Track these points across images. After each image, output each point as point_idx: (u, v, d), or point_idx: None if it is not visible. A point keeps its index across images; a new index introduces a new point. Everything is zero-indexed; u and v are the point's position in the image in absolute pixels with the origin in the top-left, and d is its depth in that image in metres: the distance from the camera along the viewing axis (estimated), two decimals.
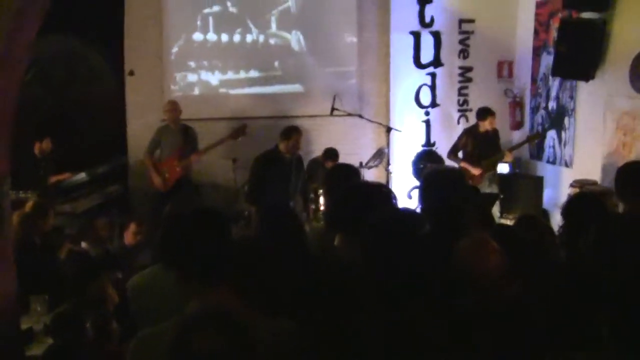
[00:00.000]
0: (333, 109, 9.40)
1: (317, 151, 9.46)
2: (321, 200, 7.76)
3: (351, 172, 4.44)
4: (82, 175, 9.04)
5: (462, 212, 3.65)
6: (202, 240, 2.64)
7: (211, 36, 10.05)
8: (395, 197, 3.55)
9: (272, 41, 10.20)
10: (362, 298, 2.64)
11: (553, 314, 2.84)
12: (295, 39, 10.21)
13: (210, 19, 10.03)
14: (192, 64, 10.07)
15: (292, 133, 8.14)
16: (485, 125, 9.13)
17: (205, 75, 10.15)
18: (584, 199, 4.46)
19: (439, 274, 2.87)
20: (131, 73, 9.74)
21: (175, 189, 8.56)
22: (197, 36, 10.01)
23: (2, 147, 3.86)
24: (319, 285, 2.78)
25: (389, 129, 9.50)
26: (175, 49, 9.97)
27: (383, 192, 3.59)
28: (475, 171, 9.00)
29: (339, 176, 4.32)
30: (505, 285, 3.02)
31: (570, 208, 4.13)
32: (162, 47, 9.87)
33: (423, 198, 3.87)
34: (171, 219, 2.74)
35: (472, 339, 2.64)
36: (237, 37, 10.09)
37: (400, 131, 9.62)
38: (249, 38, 10.12)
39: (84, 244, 6.71)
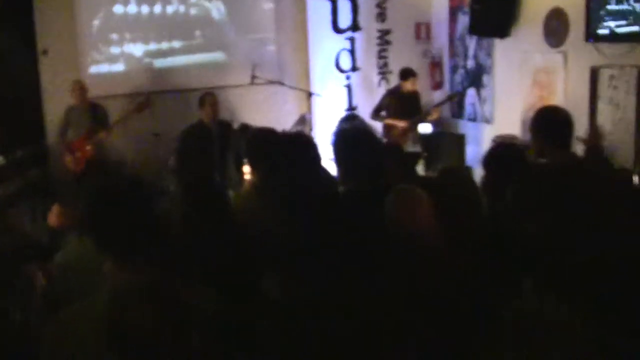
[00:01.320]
0: (253, 77, 9.35)
1: (241, 121, 9.37)
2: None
3: (269, 135, 4.39)
4: None
5: (380, 171, 3.65)
6: (124, 212, 2.53)
7: (132, 8, 9.81)
8: (315, 148, 3.53)
9: (192, 11, 10.02)
10: (275, 261, 2.64)
11: (478, 266, 2.89)
12: (215, 8, 10.07)
13: None
14: (110, 39, 9.81)
15: (204, 99, 8.35)
16: (408, 86, 9.22)
17: (126, 50, 9.89)
18: (503, 149, 4.52)
19: (364, 232, 2.87)
20: (45, 52, 9.47)
21: (89, 168, 8.41)
22: (118, 9, 9.74)
23: None
24: (238, 253, 2.78)
25: (310, 95, 9.50)
26: (93, 24, 9.71)
27: (302, 143, 3.56)
28: (401, 124, 9.08)
29: (259, 141, 4.28)
30: (434, 236, 3.05)
31: (490, 158, 4.19)
32: (75, 24, 9.61)
33: (338, 159, 3.79)
34: (91, 193, 2.64)
35: (404, 294, 2.66)
36: (158, 9, 9.88)
37: (320, 96, 9.63)
38: (170, 9, 9.93)
39: None
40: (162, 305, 2.04)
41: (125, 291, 2.14)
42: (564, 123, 4.39)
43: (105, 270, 2.56)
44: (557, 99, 7.82)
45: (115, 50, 9.84)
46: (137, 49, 9.92)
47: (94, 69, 9.71)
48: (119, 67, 9.88)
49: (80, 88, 8.71)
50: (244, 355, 2.44)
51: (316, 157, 3.61)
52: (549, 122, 4.43)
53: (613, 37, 6.85)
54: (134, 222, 2.47)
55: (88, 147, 8.58)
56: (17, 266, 5.65)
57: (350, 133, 3.96)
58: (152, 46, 9.96)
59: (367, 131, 3.99)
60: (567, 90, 7.66)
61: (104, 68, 9.81)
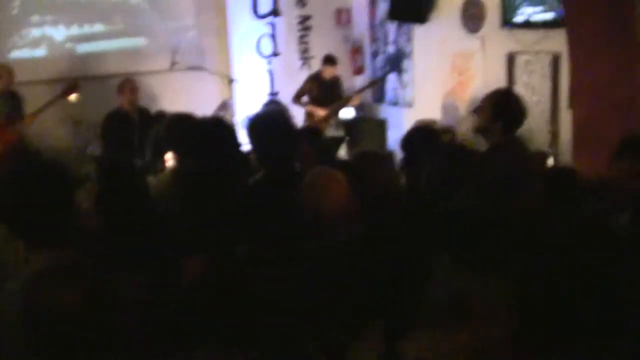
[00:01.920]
0: (173, 63, 9.26)
1: (160, 107, 9.26)
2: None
3: (186, 120, 4.35)
4: None
5: (292, 156, 3.66)
6: (42, 196, 2.43)
7: None
8: (232, 133, 3.53)
9: None
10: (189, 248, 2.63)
11: (395, 246, 2.93)
12: None
13: None
14: (31, 22, 9.56)
15: (123, 86, 8.24)
16: (328, 72, 9.24)
17: (47, 34, 9.66)
18: (419, 131, 4.60)
19: (277, 218, 2.87)
20: None
21: (10, 155, 8.20)
22: None
23: None
24: (153, 239, 2.76)
25: (231, 81, 9.45)
26: (13, 7, 9.43)
27: (218, 128, 3.55)
28: (321, 112, 9.12)
29: (176, 126, 4.24)
30: (350, 219, 3.07)
31: (407, 141, 4.26)
32: None
33: (252, 144, 3.78)
34: (5, 177, 2.56)
35: (318, 279, 2.67)
36: None
37: (238, 81, 9.59)
38: None
39: None
40: (83, 286, 2.01)
41: (43, 274, 2.10)
42: (523, 110, 4.44)
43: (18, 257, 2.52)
44: (475, 84, 7.97)
45: (36, 34, 9.59)
46: (58, 33, 9.68)
47: (13, 54, 9.44)
48: (40, 52, 9.63)
49: (8, 73, 8.43)
50: (164, 341, 2.42)
51: (233, 143, 3.60)
52: (512, 104, 4.43)
53: (528, 24, 7.01)
54: (48, 205, 2.40)
55: (9, 136, 8.35)
56: None
57: (262, 118, 3.95)
58: (74, 31, 9.73)
59: (279, 116, 3.98)
60: (485, 75, 7.80)
61: (24, 53, 9.55)
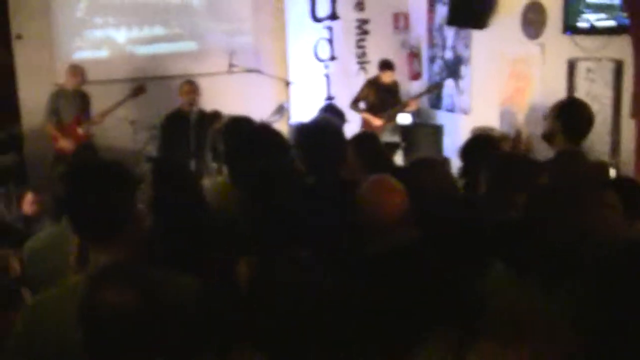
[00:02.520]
0: (231, 65, 9.32)
1: (217, 109, 9.33)
2: None
3: (243, 123, 4.37)
4: None
5: (339, 165, 3.63)
6: (104, 194, 2.44)
7: None
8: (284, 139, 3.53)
9: None
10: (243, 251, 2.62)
11: (449, 256, 2.89)
12: None
13: None
14: (93, 24, 9.75)
15: (183, 87, 8.44)
16: (385, 78, 9.22)
17: (99, 37, 9.84)
18: (478, 140, 4.54)
19: (329, 224, 2.85)
20: (19, 37, 9.37)
21: (76, 152, 8.37)
22: None
23: None
24: (210, 240, 2.76)
25: (287, 84, 9.47)
26: (77, 9, 9.64)
27: (272, 134, 3.55)
28: (377, 122, 9.10)
29: (233, 129, 4.25)
30: (405, 227, 3.04)
31: (466, 149, 4.21)
32: (50, 9, 9.52)
33: (301, 152, 3.77)
34: (72, 174, 2.58)
35: (371, 284, 2.64)
36: None
37: (294, 84, 9.60)
38: None
39: None
40: (136, 287, 2.03)
41: (99, 273, 2.11)
42: (588, 120, 4.42)
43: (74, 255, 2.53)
44: (534, 91, 7.86)
45: (98, 35, 9.79)
46: (120, 36, 9.88)
47: (77, 55, 9.63)
48: (102, 53, 9.84)
49: (81, 72, 8.66)
50: (214, 343, 2.42)
51: (285, 149, 3.60)
52: (575, 114, 4.42)
53: (591, 30, 6.88)
54: (112, 205, 2.41)
55: (80, 133, 8.56)
56: None
57: (312, 126, 3.95)
58: (135, 33, 9.93)
59: (328, 124, 3.98)
60: (544, 82, 7.68)
61: (87, 54, 9.74)
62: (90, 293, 2.03)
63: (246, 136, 3.75)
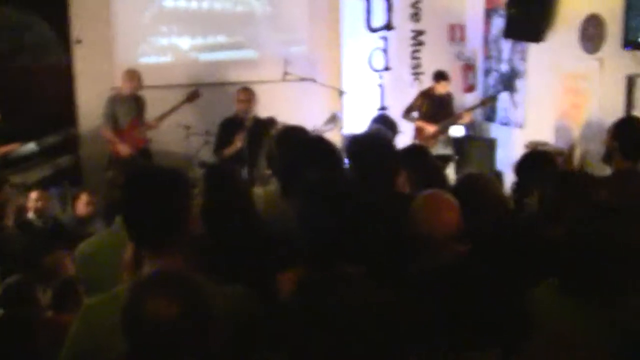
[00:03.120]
0: (285, 73, 9.36)
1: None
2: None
3: (302, 134, 4.37)
4: (31, 146, 8.86)
5: (390, 179, 3.61)
6: (160, 200, 2.44)
7: (168, 2, 9.95)
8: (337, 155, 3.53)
9: (221, 6, 10.10)
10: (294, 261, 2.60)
11: (501, 274, 2.85)
12: (248, 4, 10.13)
13: None
14: (144, 31, 9.91)
15: (238, 94, 8.51)
16: (439, 89, 9.17)
17: (158, 43, 9.99)
18: (535, 156, 4.49)
19: (381, 239, 2.82)
20: (78, 41, 9.55)
21: (131, 157, 8.50)
22: (150, 2, 9.86)
23: None
24: (260, 249, 2.75)
25: (341, 93, 9.48)
26: (144, 15, 9.85)
27: (327, 145, 3.54)
28: (431, 128, 9.06)
29: (285, 138, 4.26)
30: (457, 245, 3.01)
31: (522, 165, 4.17)
32: (110, 14, 9.68)
33: (353, 164, 3.75)
34: (128, 180, 2.58)
35: (419, 301, 2.61)
36: (196, 4, 10.01)
37: (348, 94, 9.60)
38: (206, 5, 10.03)
39: (30, 215, 6.59)
40: (180, 297, 1.99)
41: (144, 281, 2.10)
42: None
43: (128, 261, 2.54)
44: (591, 107, 7.74)
45: (163, 42, 9.98)
46: (183, 42, 10.07)
47: (142, 60, 9.84)
48: (165, 58, 10.03)
49: (138, 77, 8.80)
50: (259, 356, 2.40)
51: (339, 160, 3.60)
52: (632, 133, 4.40)
53: None
54: (168, 211, 2.41)
55: (137, 137, 8.69)
56: (46, 251, 5.70)
57: (363, 138, 3.94)
58: (197, 40, 10.09)
59: (382, 137, 3.96)
60: (601, 98, 7.56)
61: (151, 59, 9.94)
62: (132, 302, 2.00)
63: (300, 146, 3.75)
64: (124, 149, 8.59)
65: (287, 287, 2.52)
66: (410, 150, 4.61)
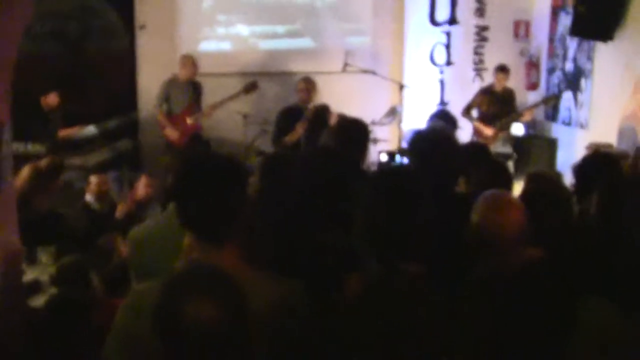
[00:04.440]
0: (346, 64, 9.31)
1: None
2: None
3: (361, 127, 4.33)
4: (91, 129, 8.99)
5: (456, 175, 3.54)
6: (213, 189, 2.35)
7: None
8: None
9: None
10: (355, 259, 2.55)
11: (567, 275, 2.77)
12: None
13: None
14: (206, 19, 9.97)
15: (298, 83, 8.54)
16: (499, 82, 9.05)
17: (219, 31, 10.05)
18: (598, 158, 4.35)
19: (444, 240, 2.75)
20: (142, 27, 9.64)
21: (189, 144, 8.55)
22: None
23: (1, 91, 3.74)
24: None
25: (402, 87, 9.39)
26: (203, 2, 9.92)
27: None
28: (488, 131, 8.93)
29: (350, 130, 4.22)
30: (524, 246, 2.92)
31: (583, 167, 4.05)
32: (175, 1, 9.77)
33: (415, 161, 3.68)
34: (184, 167, 2.50)
35: (484, 305, 2.54)
36: None
37: (409, 88, 9.51)
38: None
39: (89, 198, 6.67)
40: (224, 300, 1.90)
41: (184, 278, 1.98)
42: None
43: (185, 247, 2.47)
44: None
45: (223, 29, 10.03)
46: (243, 30, 10.12)
47: (202, 46, 9.93)
48: (225, 45, 10.11)
49: (192, 63, 8.83)
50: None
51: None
52: None
53: None
54: (223, 201, 2.34)
55: (190, 123, 8.73)
56: (106, 228, 5.76)
57: (427, 134, 3.86)
58: (257, 28, 10.14)
59: (444, 133, 3.88)
60: None
61: (211, 46, 10.04)
62: (167, 301, 1.90)
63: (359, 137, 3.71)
64: (172, 134, 8.64)
65: (353, 288, 2.46)
66: (471, 148, 4.53)
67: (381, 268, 2.43)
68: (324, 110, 8.33)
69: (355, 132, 4.22)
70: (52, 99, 8.34)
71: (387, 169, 3.42)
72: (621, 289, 2.55)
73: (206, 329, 1.86)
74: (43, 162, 6.05)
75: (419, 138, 3.73)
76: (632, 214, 2.95)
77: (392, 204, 2.40)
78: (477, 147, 4.72)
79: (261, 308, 2.05)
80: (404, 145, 9.08)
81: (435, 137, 3.72)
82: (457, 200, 3.35)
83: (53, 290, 4.50)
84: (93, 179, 6.78)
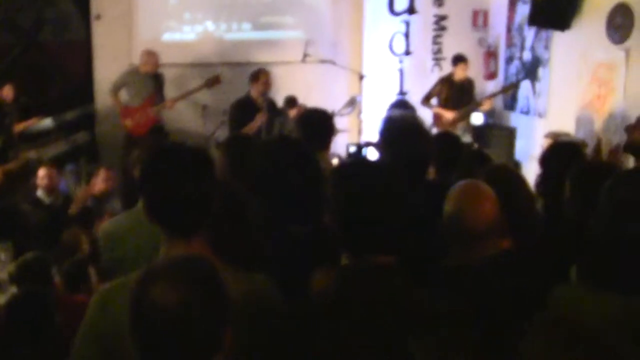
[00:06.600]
0: (305, 55, 9.27)
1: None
2: None
3: (326, 117, 4.32)
4: (48, 122, 8.86)
5: (427, 163, 3.53)
6: (181, 181, 2.26)
7: None
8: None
9: None
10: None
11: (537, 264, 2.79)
12: None
13: None
14: (164, 9, 9.85)
15: (260, 74, 8.42)
16: (458, 73, 9.08)
17: (179, 21, 9.93)
18: (564, 148, 4.37)
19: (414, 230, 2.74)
20: (98, 17, 9.49)
21: (148, 135, 8.47)
22: None
23: None
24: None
25: (361, 77, 9.39)
26: None
27: None
28: (449, 115, 8.97)
29: (314, 120, 4.20)
30: (497, 238, 2.92)
31: (550, 157, 4.06)
32: None
33: (385, 149, 3.64)
34: (149, 157, 2.41)
35: (458, 295, 2.54)
36: None
37: (367, 77, 9.51)
38: None
39: (39, 193, 6.56)
40: (198, 286, 1.86)
41: (158, 267, 1.93)
42: None
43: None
44: (615, 98, 7.61)
45: (177, 20, 9.96)
46: (207, 21, 10.04)
47: (166, 36, 9.86)
48: (189, 36, 10.02)
49: (154, 62, 8.77)
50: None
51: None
52: None
53: None
54: (193, 193, 2.26)
55: (152, 115, 8.65)
56: (64, 228, 5.67)
57: (398, 122, 3.84)
58: (215, 20, 10.06)
59: (414, 120, 3.87)
60: (627, 89, 7.42)
61: (175, 36, 9.96)
62: (138, 288, 1.86)
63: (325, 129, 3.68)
64: (131, 124, 8.57)
65: (321, 281, 2.43)
66: (441, 137, 4.53)
67: (351, 260, 2.40)
68: (287, 99, 8.35)
69: (319, 123, 4.21)
70: (6, 91, 8.19)
71: (356, 161, 3.37)
72: (594, 266, 2.55)
73: (171, 313, 1.81)
74: (12, 165, 5.96)
75: (390, 126, 3.70)
76: (605, 197, 2.96)
77: (361, 195, 2.35)
78: (448, 137, 4.74)
79: (236, 301, 2.00)
80: (366, 135, 9.11)
81: (407, 125, 3.70)
82: (429, 189, 3.33)
83: (13, 289, 4.40)
84: (41, 172, 6.66)
